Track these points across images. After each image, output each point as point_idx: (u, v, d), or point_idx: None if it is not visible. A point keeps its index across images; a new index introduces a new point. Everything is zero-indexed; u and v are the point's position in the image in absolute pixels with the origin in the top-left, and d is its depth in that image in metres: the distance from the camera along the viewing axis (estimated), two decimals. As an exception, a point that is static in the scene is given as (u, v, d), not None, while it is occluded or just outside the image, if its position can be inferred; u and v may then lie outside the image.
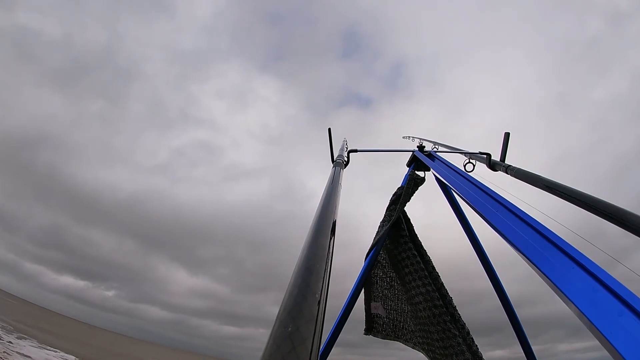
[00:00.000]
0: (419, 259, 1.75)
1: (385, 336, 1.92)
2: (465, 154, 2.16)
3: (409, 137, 3.72)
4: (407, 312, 1.86)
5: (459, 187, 1.55)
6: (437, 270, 1.76)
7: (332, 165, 1.73)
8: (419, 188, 1.97)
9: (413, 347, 1.82)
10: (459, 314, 1.64)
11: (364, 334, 1.95)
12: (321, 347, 1.63)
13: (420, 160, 2.09)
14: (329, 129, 2.08)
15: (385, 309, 1.91)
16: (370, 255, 1.83)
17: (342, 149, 2.30)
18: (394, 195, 1.97)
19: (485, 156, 1.99)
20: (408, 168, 2.17)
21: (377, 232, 1.90)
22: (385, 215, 1.93)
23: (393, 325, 1.91)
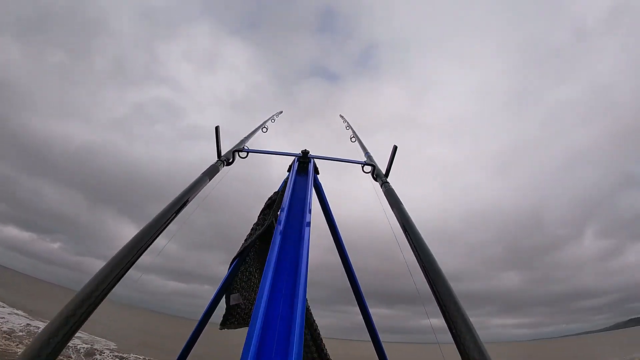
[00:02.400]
0: None
1: (238, 325, 1.98)
2: (350, 162, 2.20)
3: (343, 118, 3.75)
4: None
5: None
6: None
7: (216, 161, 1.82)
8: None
9: None
10: (310, 313, 1.87)
11: (220, 328, 1.97)
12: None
13: (300, 166, 2.10)
14: (217, 128, 2.02)
15: (242, 297, 1.97)
16: (235, 262, 1.90)
17: (266, 125, 2.33)
18: (268, 199, 2.00)
19: (370, 167, 2.05)
20: (288, 173, 2.13)
21: (249, 235, 1.94)
22: (258, 218, 1.97)
23: (245, 313, 1.97)
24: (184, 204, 1.17)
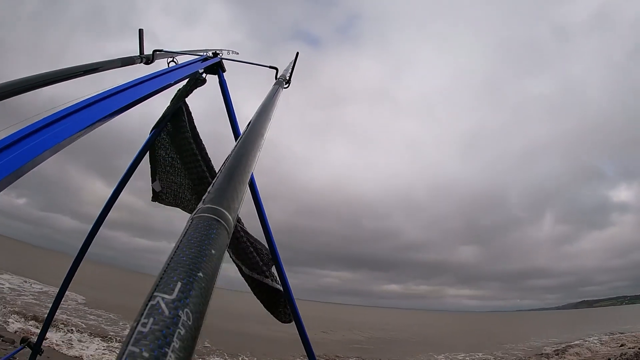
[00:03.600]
0: (194, 145, 2.16)
1: (168, 204, 2.34)
2: (259, 65, 2.34)
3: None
4: (185, 185, 2.25)
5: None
6: (209, 155, 2.20)
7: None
8: (202, 88, 2.23)
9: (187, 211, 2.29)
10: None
11: (152, 200, 2.34)
12: None
13: (212, 64, 2.25)
14: (140, 30, 2.09)
15: (161, 184, 2.28)
16: (151, 133, 2.21)
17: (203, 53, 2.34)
18: (178, 90, 2.20)
19: (274, 70, 2.15)
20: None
21: (162, 117, 2.21)
22: (171, 103, 2.21)
23: (174, 195, 2.30)
24: (88, 72, 1.26)
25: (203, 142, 2.20)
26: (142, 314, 0.25)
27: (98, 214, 2.48)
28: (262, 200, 2.28)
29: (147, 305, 0.25)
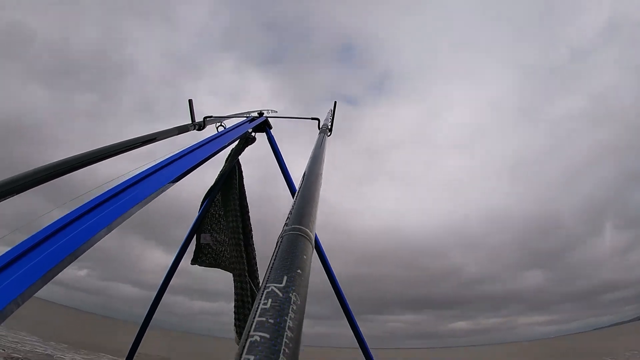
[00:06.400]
0: (237, 201, 2.15)
1: (209, 265, 2.25)
2: (301, 118, 2.53)
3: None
4: (226, 243, 2.20)
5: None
6: (249, 214, 2.18)
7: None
8: (252, 146, 2.31)
9: (227, 270, 2.18)
10: (253, 249, 2.11)
11: (191, 263, 2.28)
12: None
13: (259, 123, 2.37)
14: (190, 100, 2.22)
15: (212, 239, 2.24)
16: (205, 202, 2.27)
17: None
18: (231, 150, 2.28)
19: (316, 121, 2.28)
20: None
21: (219, 176, 2.26)
22: (226, 162, 2.27)
23: (215, 254, 2.24)
24: (146, 142, 1.35)
25: (247, 200, 2.23)
26: (261, 298, 0.32)
27: (161, 282, 2.42)
28: (326, 254, 2.21)
29: (263, 292, 0.33)
